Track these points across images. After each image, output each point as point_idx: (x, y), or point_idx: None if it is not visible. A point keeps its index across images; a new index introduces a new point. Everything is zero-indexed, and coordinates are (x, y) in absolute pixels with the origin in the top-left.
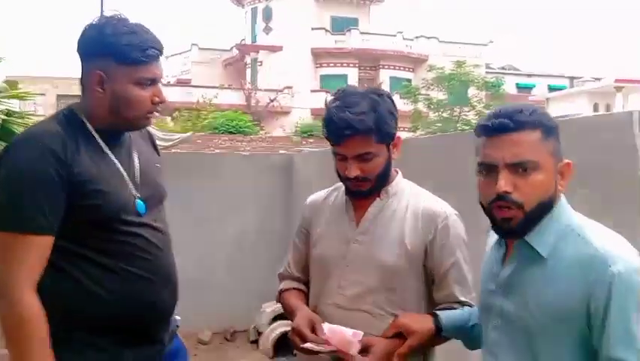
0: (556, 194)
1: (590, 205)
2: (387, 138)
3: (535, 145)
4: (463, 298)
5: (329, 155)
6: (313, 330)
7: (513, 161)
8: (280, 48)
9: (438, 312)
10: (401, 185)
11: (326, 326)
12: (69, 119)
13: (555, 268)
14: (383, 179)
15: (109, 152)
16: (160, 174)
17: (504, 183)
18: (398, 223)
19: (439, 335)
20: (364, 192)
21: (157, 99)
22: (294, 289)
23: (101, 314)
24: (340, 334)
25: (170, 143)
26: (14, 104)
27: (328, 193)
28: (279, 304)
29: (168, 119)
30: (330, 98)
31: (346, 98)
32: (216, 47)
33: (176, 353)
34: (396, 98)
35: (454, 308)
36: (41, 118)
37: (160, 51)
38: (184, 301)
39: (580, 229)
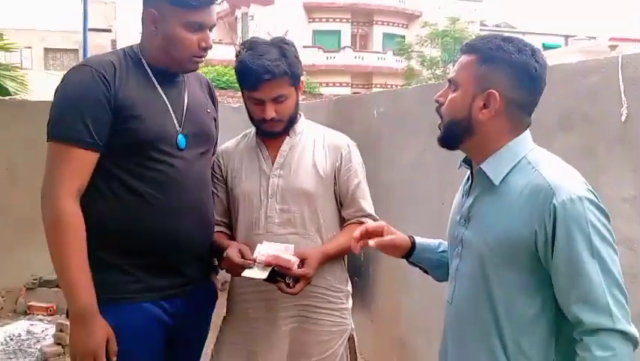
0: (473, 119)
1: (574, 150)
2: (297, 81)
3: (464, 67)
4: (370, 212)
5: (315, 107)
6: (242, 257)
7: (449, 77)
8: (272, 2)
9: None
10: (304, 124)
11: (260, 246)
12: (128, 53)
13: (506, 197)
14: (293, 119)
15: (159, 87)
16: (210, 118)
17: (440, 93)
18: (309, 155)
19: (411, 253)
20: (278, 132)
21: (204, 44)
22: (218, 232)
23: (125, 235)
24: (274, 248)
25: None
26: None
27: (238, 140)
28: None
29: None
30: (239, 48)
31: (258, 47)
32: None
33: (204, 293)
34: (389, 54)
35: (363, 223)
36: (29, 71)
37: None
38: None
39: (535, 162)
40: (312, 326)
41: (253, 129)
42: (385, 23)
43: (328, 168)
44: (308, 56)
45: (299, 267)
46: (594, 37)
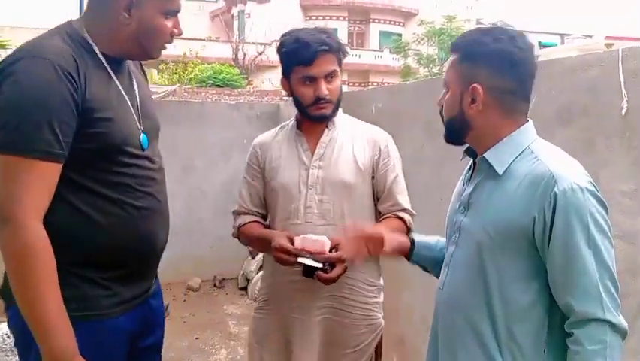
0: (466, 115)
1: (574, 144)
2: (343, 58)
3: (450, 67)
4: (407, 206)
5: None
6: (292, 244)
7: (443, 78)
8: (268, 0)
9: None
10: (342, 117)
11: (298, 239)
12: (73, 39)
13: (508, 186)
14: (339, 103)
15: (116, 79)
16: (155, 107)
17: (440, 97)
18: (348, 148)
19: (411, 253)
20: (326, 115)
21: (175, 31)
22: (253, 222)
23: (99, 246)
24: (311, 240)
25: (157, 96)
26: None
27: (276, 132)
28: None
29: (154, 71)
30: (283, 37)
31: (303, 30)
32: None
33: (157, 292)
34: (386, 53)
35: (400, 217)
36: None
37: None
38: (173, 249)
39: (537, 151)
40: (345, 319)
41: (291, 121)
42: (382, 21)
43: (367, 161)
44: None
45: (332, 252)
46: (590, 36)
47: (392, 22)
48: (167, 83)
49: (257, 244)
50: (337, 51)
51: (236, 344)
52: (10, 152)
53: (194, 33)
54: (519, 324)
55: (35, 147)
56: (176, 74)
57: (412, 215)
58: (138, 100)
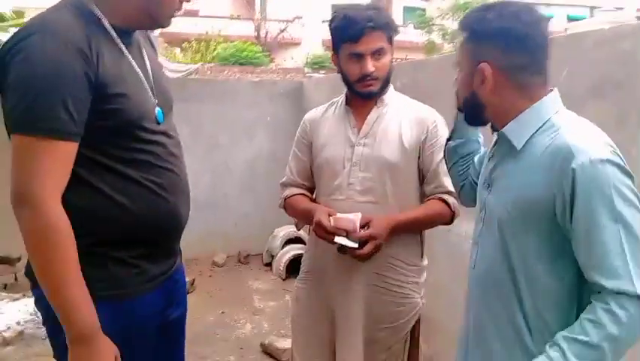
0: (478, 94)
1: (606, 119)
2: (392, 39)
3: (460, 47)
4: (451, 189)
5: (338, 80)
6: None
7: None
8: None
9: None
10: (392, 94)
11: (332, 219)
12: (81, 12)
13: (527, 161)
14: (387, 81)
15: (127, 53)
16: (167, 80)
17: (455, 77)
18: (395, 127)
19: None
20: (374, 92)
21: None
22: (300, 195)
23: (124, 226)
24: (344, 219)
25: (180, 75)
26: None
27: (326, 108)
28: (291, 229)
29: (177, 50)
30: (333, 13)
31: (352, 7)
32: None
33: (179, 267)
34: (410, 28)
35: (444, 200)
36: None
37: None
38: (199, 225)
39: (559, 124)
40: (383, 296)
41: (341, 98)
42: None
43: (414, 141)
44: (328, 31)
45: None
46: (621, 8)
47: None
48: (189, 61)
49: (301, 216)
50: (386, 28)
51: (261, 319)
52: (24, 132)
53: (216, 11)
54: (545, 302)
55: (50, 126)
56: (198, 52)
57: (456, 198)
58: (150, 73)
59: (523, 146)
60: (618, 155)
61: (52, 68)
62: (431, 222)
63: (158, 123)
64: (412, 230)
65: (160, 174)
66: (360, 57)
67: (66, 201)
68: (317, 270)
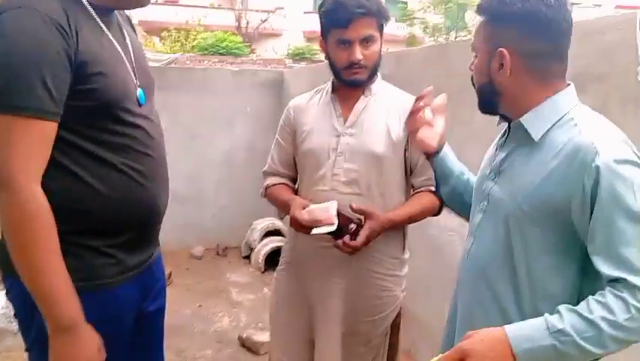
0: (495, 81)
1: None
2: (382, 27)
3: (477, 31)
4: None
5: (320, 70)
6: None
7: (471, 44)
8: None
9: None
10: (380, 84)
11: (305, 213)
12: None
13: (543, 154)
14: (375, 70)
15: (107, 31)
16: (147, 61)
17: (470, 62)
18: (382, 118)
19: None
20: (361, 81)
21: None
22: (281, 184)
23: (101, 213)
24: (317, 209)
25: (159, 64)
26: None
27: (311, 95)
28: (270, 221)
29: (156, 39)
30: None
31: None
32: None
33: (158, 257)
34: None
35: (434, 192)
36: None
37: None
38: (176, 217)
39: (578, 119)
40: (363, 289)
41: (327, 85)
42: None
43: (401, 132)
44: (309, 23)
45: (362, 223)
46: (599, 5)
47: None
48: (169, 51)
49: (281, 207)
50: (377, 15)
51: (239, 312)
52: (1, 111)
53: (196, 1)
54: (545, 298)
55: (28, 105)
56: (178, 41)
57: None
58: (132, 54)
59: (540, 138)
60: (637, 154)
61: (30, 44)
62: (422, 216)
63: (140, 105)
64: (403, 225)
65: (139, 160)
66: (348, 44)
67: (41, 186)
68: (297, 262)
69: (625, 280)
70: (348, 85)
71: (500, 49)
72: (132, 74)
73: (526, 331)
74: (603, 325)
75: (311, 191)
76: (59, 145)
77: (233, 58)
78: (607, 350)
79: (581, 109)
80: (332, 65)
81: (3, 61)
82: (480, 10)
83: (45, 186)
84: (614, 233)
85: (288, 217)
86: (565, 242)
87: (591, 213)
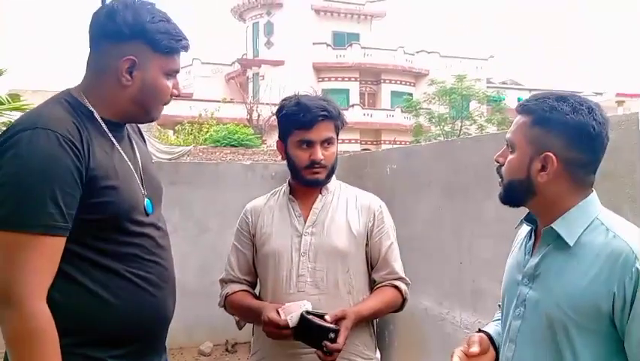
0: (533, 181)
1: None
2: (341, 127)
3: (519, 128)
4: (402, 274)
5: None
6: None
7: (506, 137)
8: (282, 62)
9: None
10: (335, 183)
11: (281, 311)
12: (74, 106)
13: (582, 259)
14: (333, 170)
15: (118, 145)
16: (156, 170)
17: (499, 153)
18: (341, 214)
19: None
20: (320, 180)
21: (175, 92)
22: (242, 291)
23: (107, 324)
24: (293, 306)
25: (172, 156)
26: (16, 117)
27: (267, 198)
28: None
29: (170, 132)
30: (283, 101)
31: (305, 95)
32: (218, 62)
33: None
34: (397, 112)
35: (396, 286)
36: None
37: (189, 43)
38: (185, 313)
39: (608, 223)
40: None
41: (283, 187)
42: (393, 82)
43: (361, 227)
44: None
45: (339, 329)
46: (600, 93)
47: (403, 83)
48: (182, 143)
49: (245, 314)
50: (336, 119)
51: None
52: (11, 228)
53: (210, 95)
54: None
55: (38, 222)
56: (191, 134)
57: (407, 284)
58: (140, 165)
59: (574, 243)
60: None
61: (43, 163)
62: (387, 311)
63: (147, 214)
64: (368, 321)
65: (147, 268)
66: (310, 144)
67: (47, 298)
68: None
69: None
70: (308, 185)
71: (548, 153)
72: (140, 185)
73: None
74: None
75: (276, 296)
76: (67, 256)
77: (244, 149)
78: None
79: (606, 213)
80: (291, 166)
81: (15, 180)
82: (525, 109)
83: (50, 297)
84: None
85: (251, 326)
86: (614, 345)
87: (630, 312)
